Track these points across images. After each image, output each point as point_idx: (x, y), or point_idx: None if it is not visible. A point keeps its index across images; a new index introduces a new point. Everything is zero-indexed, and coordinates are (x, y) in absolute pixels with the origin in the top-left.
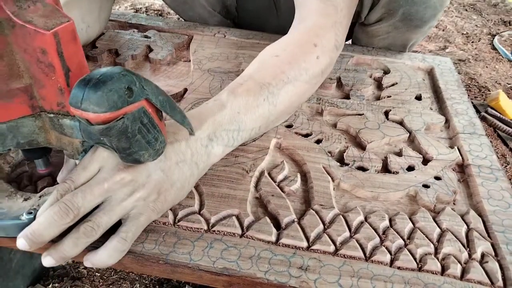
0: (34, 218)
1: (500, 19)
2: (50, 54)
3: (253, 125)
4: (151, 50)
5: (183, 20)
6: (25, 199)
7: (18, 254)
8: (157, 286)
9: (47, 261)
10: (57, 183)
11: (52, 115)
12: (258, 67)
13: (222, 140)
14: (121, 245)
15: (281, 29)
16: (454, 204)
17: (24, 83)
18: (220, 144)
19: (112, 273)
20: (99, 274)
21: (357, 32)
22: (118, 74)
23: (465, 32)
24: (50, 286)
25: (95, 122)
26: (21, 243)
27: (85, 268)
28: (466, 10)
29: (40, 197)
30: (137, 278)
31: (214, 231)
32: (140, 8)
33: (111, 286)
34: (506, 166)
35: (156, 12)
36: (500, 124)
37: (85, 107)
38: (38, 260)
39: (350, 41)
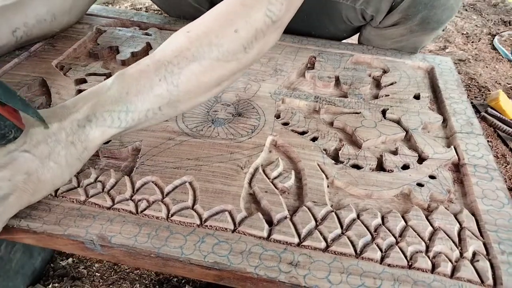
0: None
1: (500, 19)
2: None
3: (148, 106)
4: (151, 47)
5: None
6: None
7: (18, 254)
8: (157, 286)
9: None
10: None
11: None
12: (164, 45)
13: (103, 121)
14: None
15: None
16: (452, 202)
17: None
18: (101, 125)
19: (112, 273)
20: (99, 274)
21: (368, 34)
22: None
23: (465, 32)
24: (50, 286)
25: None
26: None
27: (85, 268)
28: (466, 10)
29: None
30: (137, 278)
31: (207, 226)
32: (140, 8)
33: (111, 286)
34: (506, 166)
35: (156, 12)
36: (500, 124)
37: None
38: (38, 260)
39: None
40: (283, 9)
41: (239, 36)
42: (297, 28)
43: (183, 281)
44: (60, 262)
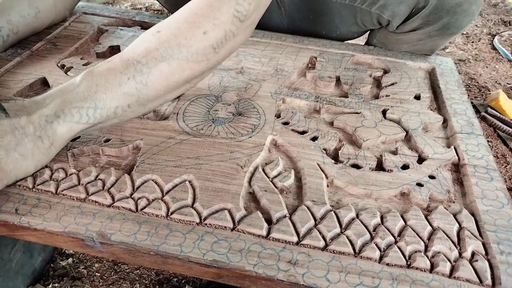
0: None
1: (500, 19)
2: None
3: (116, 104)
4: None
5: None
6: None
7: (18, 254)
8: (157, 286)
9: None
10: None
11: None
12: (134, 44)
13: (71, 117)
14: None
15: (284, 27)
16: (453, 202)
17: None
18: (69, 121)
19: (112, 273)
20: (99, 274)
21: (384, 38)
22: None
23: (465, 32)
24: (50, 286)
25: None
26: None
27: (85, 268)
28: None
29: None
30: (137, 278)
31: (206, 224)
32: (140, 8)
33: (111, 286)
34: (506, 166)
35: (156, 12)
36: (500, 124)
37: None
38: (38, 260)
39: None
40: (251, 9)
41: (208, 38)
42: (306, 27)
43: (183, 281)
44: (60, 262)
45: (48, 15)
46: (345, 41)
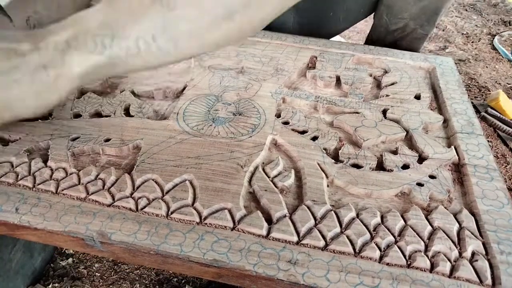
0: None
1: (500, 19)
2: None
3: (139, 34)
4: None
5: None
6: None
7: (18, 254)
8: (157, 286)
9: None
10: None
11: None
12: None
13: (85, 47)
14: None
15: (285, 27)
16: (451, 202)
17: None
18: (82, 50)
19: (112, 273)
20: (99, 274)
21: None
22: None
23: (465, 32)
24: (50, 286)
25: None
26: None
27: (85, 268)
28: (466, 10)
29: None
30: (137, 278)
31: (206, 223)
32: None
33: (111, 286)
34: (506, 166)
35: None
36: (500, 124)
37: None
38: (38, 260)
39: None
40: None
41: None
42: (317, 4)
43: (183, 281)
44: (60, 262)
45: (68, 8)
46: (343, 42)
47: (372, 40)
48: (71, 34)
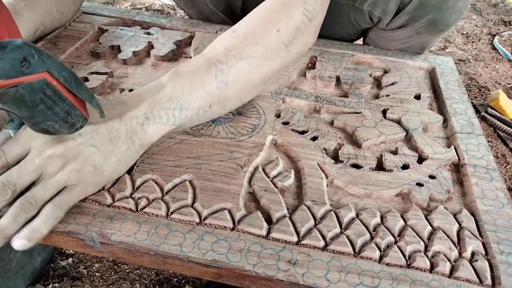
0: None
1: (500, 19)
2: None
3: (199, 104)
4: (153, 47)
5: (187, 17)
6: None
7: (18, 254)
8: (157, 286)
9: None
10: None
11: None
12: (213, 45)
13: (160, 119)
14: (54, 212)
15: None
16: (447, 201)
17: None
18: (158, 122)
19: (112, 273)
20: (99, 274)
21: (374, 36)
22: (13, 45)
23: (465, 32)
24: (50, 286)
25: None
26: None
27: (85, 268)
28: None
29: None
30: (137, 278)
31: (206, 224)
32: (140, 8)
33: (111, 286)
34: (506, 166)
35: (156, 12)
36: (500, 124)
37: None
38: (38, 260)
39: (361, 41)
40: (317, 8)
41: (281, 35)
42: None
43: (183, 281)
44: (60, 262)
45: (68, 16)
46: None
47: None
48: (148, 108)
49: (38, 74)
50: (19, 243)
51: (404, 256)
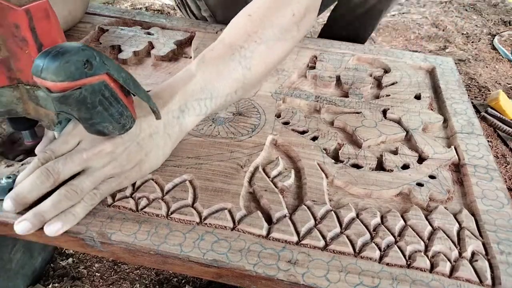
0: (13, 182)
1: (500, 19)
2: (23, 29)
3: (227, 91)
4: (153, 46)
5: (187, 17)
6: (8, 166)
7: (18, 254)
8: (157, 286)
9: (23, 226)
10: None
11: (28, 86)
12: (230, 29)
13: (193, 111)
14: (93, 199)
15: None
16: (447, 201)
17: (2, 56)
18: (192, 114)
19: (112, 273)
20: (99, 274)
21: None
22: (77, 48)
23: (465, 32)
24: (50, 286)
25: (54, 90)
26: (7, 204)
27: (85, 268)
28: (466, 10)
29: (21, 164)
30: (137, 278)
31: (206, 223)
32: (140, 8)
33: (111, 286)
34: (506, 166)
35: (156, 12)
36: (500, 124)
37: (44, 76)
38: (38, 260)
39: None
40: None
41: (294, 15)
42: None
43: (183, 281)
44: (60, 262)
45: (76, 15)
46: (343, 41)
47: (334, 18)
48: (182, 101)
49: (99, 76)
50: (55, 227)
51: (404, 256)
